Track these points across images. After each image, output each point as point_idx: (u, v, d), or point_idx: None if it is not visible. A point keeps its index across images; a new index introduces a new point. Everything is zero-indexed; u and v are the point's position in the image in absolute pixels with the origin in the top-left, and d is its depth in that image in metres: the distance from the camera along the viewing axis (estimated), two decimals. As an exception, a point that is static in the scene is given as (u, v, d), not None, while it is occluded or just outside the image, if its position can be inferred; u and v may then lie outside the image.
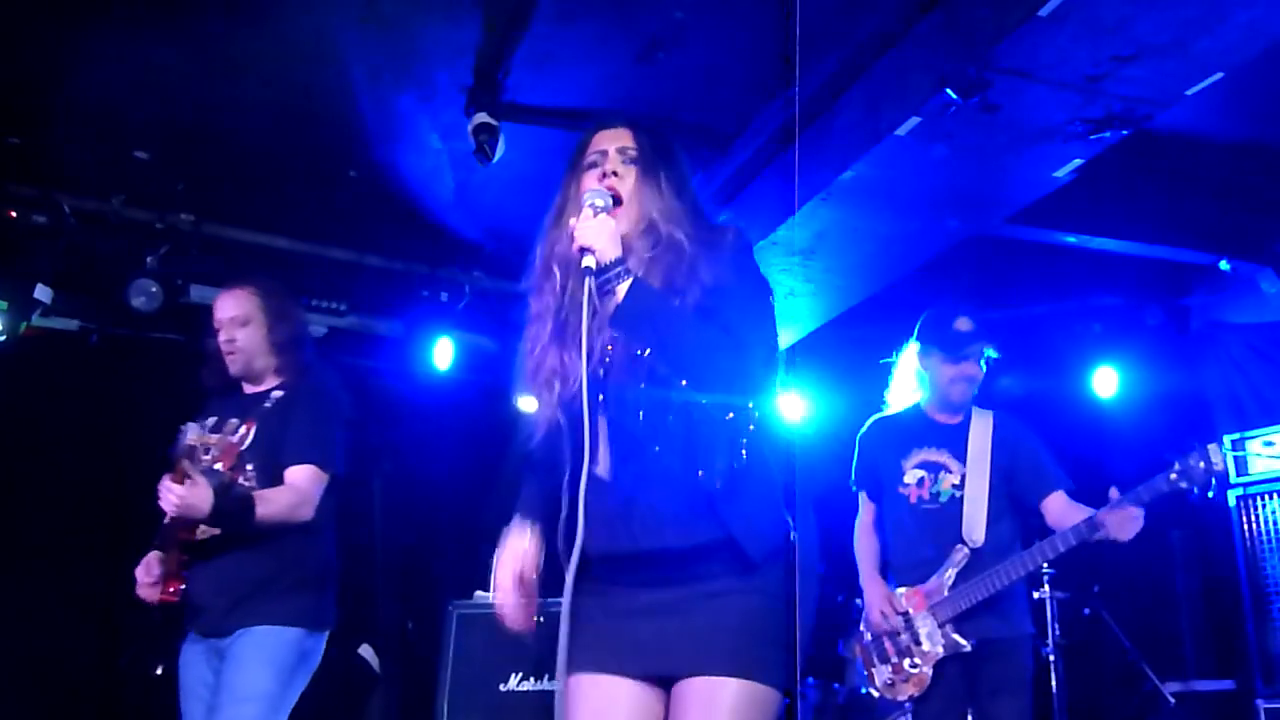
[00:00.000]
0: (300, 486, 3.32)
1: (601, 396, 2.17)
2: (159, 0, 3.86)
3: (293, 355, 3.54)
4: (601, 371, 2.18)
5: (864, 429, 4.30)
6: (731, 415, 2.15)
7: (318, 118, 4.61)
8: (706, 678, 2.05)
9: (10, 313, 5.07)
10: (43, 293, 5.04)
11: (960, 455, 4.02)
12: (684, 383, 2.13)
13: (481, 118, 4.20)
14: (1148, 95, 3.73)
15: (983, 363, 4.08)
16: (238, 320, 3.49)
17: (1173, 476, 3.63)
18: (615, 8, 3.93)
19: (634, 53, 4.15)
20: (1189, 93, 3.69)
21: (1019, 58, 3.55)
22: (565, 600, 2.19)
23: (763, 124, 4.59)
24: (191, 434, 3.30)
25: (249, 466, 3.33)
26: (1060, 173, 4.29)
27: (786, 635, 2.15)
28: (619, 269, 2.12)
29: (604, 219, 2.15)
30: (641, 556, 2.13)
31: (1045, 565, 4.18)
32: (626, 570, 2.15)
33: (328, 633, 3.47)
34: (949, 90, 3.66)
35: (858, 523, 4.29)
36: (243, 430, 3.30)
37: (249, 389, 3.54)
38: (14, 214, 4.92)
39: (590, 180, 2.27)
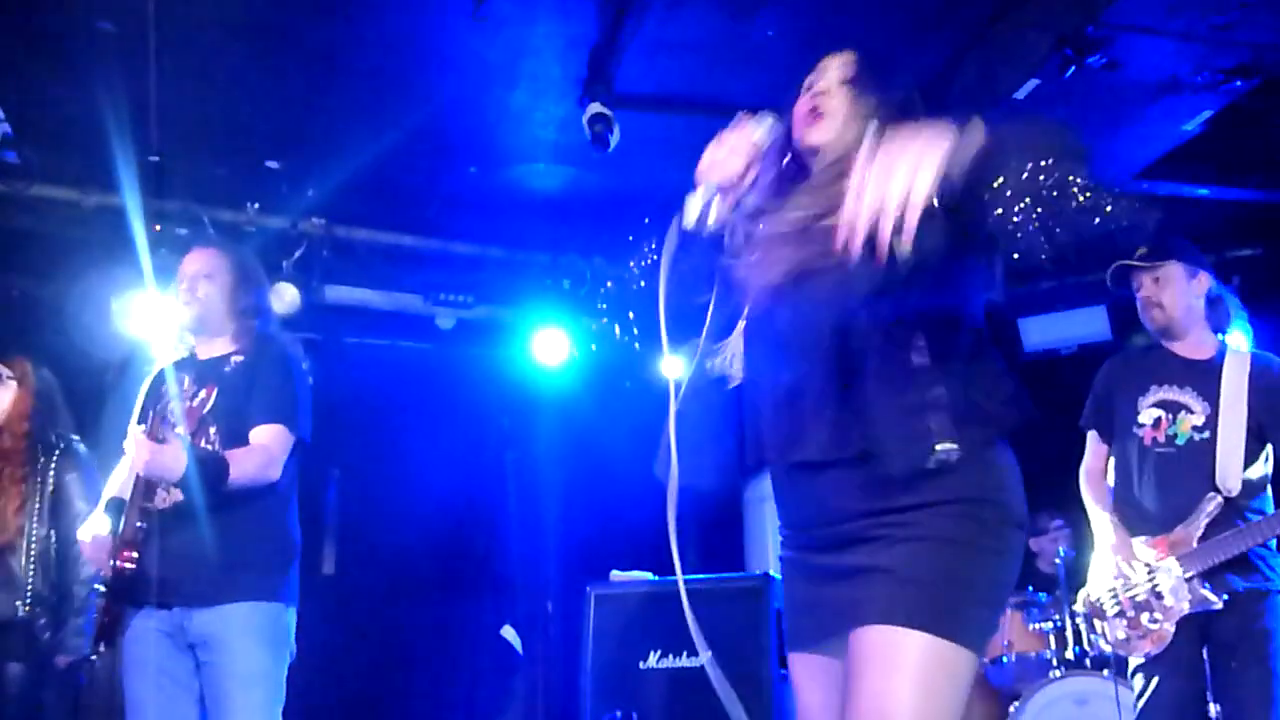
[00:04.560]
0: (269, 446, 3.18)
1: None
2: (277, 15, 4.01)
3: (250, 323, 3.39)
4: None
5: (1105, 365, 3.91)
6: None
7: (436, 118, 4.72)
8: (885, 627, 1.76)
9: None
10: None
11: (1206, 394, 3.60)
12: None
13: (596, 108, 4.26)
14: (1278, 41, 3.61)
15: (1159, 279, 3.64)
16: (201, 273, 3.35)
17: None
18: (724, -8, 3.95)
19: (745, 37, 4.15)
20: (1322, 36, 3.58)
21: (1139, 13, 3.48)
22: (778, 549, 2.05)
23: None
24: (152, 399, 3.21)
25: (211, 430, 3.19)
26: (1190, 125, 4.18)
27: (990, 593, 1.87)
28: None
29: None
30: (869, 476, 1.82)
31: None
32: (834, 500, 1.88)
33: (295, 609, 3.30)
34: (1067, 50, 3.60)
35: (1084, 467, 3.91)
36: (202, 394, 3.10)
37: (202, 354, 3.39)
38: (159, 227, 5.17)
39: None
